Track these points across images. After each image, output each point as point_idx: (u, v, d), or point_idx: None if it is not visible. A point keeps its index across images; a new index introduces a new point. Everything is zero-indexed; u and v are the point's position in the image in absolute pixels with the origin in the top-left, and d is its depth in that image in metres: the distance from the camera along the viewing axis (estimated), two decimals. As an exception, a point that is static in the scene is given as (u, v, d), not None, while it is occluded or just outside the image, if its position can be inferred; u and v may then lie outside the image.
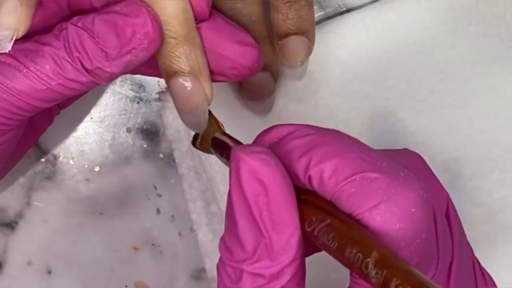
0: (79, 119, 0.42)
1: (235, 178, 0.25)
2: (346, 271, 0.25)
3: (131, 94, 0.42)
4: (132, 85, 0.42)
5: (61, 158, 0.42)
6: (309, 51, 0.37)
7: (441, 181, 0.40)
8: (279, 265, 0.24)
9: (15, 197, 0.42)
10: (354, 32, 0.40)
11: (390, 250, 0.23)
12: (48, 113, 0.38)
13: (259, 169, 0.24)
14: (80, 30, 0.29)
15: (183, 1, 0.31)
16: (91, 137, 0.42)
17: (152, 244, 0.42)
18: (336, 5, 0.42)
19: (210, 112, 0.33)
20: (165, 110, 0.41)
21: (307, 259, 0.26)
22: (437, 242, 0.25)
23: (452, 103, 0.40)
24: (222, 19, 0.32)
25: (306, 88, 0.40)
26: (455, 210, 0.28)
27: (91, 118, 0.42)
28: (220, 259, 0.26)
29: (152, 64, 0.32)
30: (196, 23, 0.32)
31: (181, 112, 0.32)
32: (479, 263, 0.29)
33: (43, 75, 0.29)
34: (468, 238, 0.40)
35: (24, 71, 0.29)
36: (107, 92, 0.42)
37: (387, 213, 0.23)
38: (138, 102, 0.42)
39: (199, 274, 0.42)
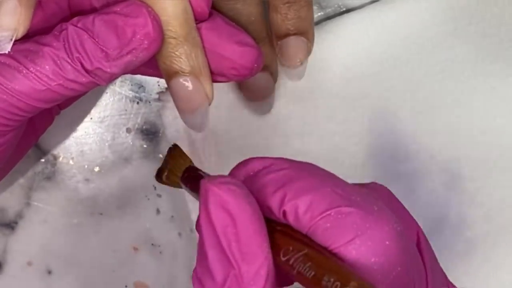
0: (79, 119, 0.42)
1: (204, 209, 0.24)
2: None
3: (131, 94, 0.42)
4: (132, 85, 0.42)
5: (61, 159, 0.42)
6: (308, 51, 0.37)
7: (441, 181, 0.40)
8: None
9: (15, 197, 0.42)
10: (354, 32, 0.40)
11: (368, 280, 0.23)
12: (48, 113, 0.38)
13: (227, 199, 0.24)
14: (80, 31, 0.29)
15: (183, 1, 0.31)
16: (91, 137, 0.42)
17: (152, 244, 0.42)
18: (336, 6, 0.42)
19: (176, 146, 0.33)
20: (164, 110, 0.41)
21: None
22: (412, 273, 0.25)
23: (452, 103, 0.40)
24: (221, 20, 0.32)
25: (306, 88, 0.40)
26: (426, 239, 0.28)
27: (91, 118, 0.42)
28: None
29: (152, 64, 0.32)
30: (196, 23, 0.32)
31: (182, 112, 0.32)
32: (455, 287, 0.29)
33: (43, 76, 0.29)
34: (467, 239, 0.40)
35: (24, 71, 0.29)
36: (107, 93, 0.42)
37: (362, 247, 0.24)
38: (138, 103, 0.42)
39: (199, 274, 0.42)
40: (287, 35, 0.36)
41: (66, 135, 0.42)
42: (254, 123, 0.40)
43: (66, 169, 0.42)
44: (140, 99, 0.42)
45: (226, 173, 0.40)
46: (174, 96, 0.32)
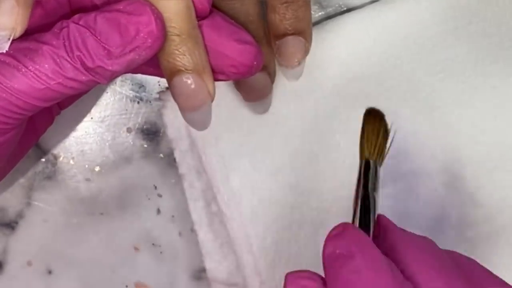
0: (80, 119, 0.42)
1: None
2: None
3: (131, 94, 0.42)
4: (132, 85, 0.42)
5: (61, 158, 0.42)
6: (306, 51, 0.37)
7: (441, 181, 0.40)
8: None
9: (15, 197, 0.42)
10: (354, 32, 0.40)
11: None
12: (49, 113, 0.38)
13: None
14: (82, 28, 0.29)
15: None
16: (91, 137, 0.42)
17: (153, 244, 0.42)
18: (337, 5, 0.42)
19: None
20: (165, 109, 0.41)
21: None
22: None
23: (452, 103, 0.40)
24: (221, 18, 0.32)
25: (306, 88, 0.40)
26: None
27: (91, 118, 0.42)
28: None
29: (153, 63, 0.32)
30: (197, 21, 0.32)
31: (184, 110, 0.32)
32: None
33: (42, 74, 0.29)
34: (468, 239, 0.40)
35: (23, 70, 0.29)
36: (107, 92, 0.42)
37: None
38: (138, 102, 0.42)
39: (199, 274, 0.42)
40: (285, 35, 0.36)
41: (66, 135, 0.42)
42: (254, 122, 0.40)
43: (67, 169, 0.42)
44: (141, 99, 0.42)
45: (225, 174, 0.40)
46: (177, 94, 0.31)
